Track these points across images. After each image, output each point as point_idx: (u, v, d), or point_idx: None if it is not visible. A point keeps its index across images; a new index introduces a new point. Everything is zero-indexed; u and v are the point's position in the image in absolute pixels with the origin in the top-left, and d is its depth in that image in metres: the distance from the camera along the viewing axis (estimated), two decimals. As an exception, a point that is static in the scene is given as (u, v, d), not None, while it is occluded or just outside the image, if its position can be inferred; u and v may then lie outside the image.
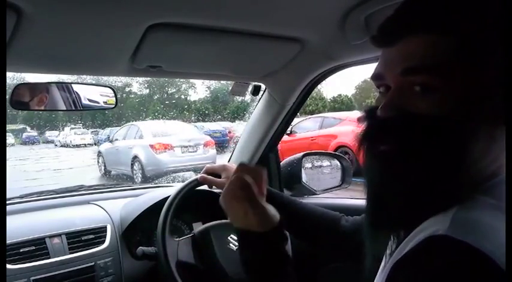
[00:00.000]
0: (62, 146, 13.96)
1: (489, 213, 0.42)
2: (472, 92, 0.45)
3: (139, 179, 6.50)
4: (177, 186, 1.12)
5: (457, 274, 0.38)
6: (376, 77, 0.52)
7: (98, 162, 7.96)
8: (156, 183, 1.68)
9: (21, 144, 15.50)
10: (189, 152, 6.86)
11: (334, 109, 20.62)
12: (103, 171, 7.71)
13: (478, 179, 0.47)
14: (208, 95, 23.25)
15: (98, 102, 1.13)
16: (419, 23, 0.46)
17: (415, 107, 0.46)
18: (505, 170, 0.46)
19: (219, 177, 1.02)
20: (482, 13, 0.44)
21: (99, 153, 8.04)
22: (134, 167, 6.79)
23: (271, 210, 0.68)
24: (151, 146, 6.66)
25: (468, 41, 0.44)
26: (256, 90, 1.39)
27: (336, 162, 1.63)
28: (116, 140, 7.83)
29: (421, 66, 0.46)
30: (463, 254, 0.38)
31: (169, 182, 2.09)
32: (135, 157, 6.77)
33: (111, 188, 1.51)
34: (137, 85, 23.28)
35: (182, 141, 6.82)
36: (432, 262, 0.40)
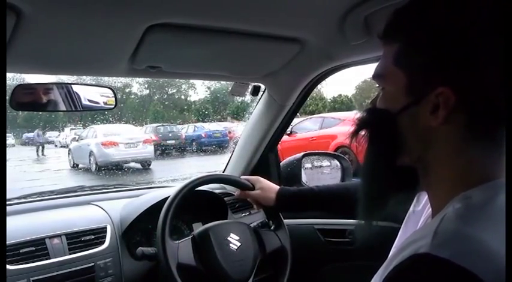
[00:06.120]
0: (62, 146, 13.96)
1: (471, 222, 0.43)
2: (409, 90, 0.50)
3: (94, 168, 8.73)
4: (177, 186, 1.12)
5: None
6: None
7: (69, 157, 9.97)
8: (158, 184, 1.68)
9: (21, 144, 15.52)
10: (131, 147, 9.08)
11: (334, 109, 20.54)
12: (72, 164, 9.71)
13: (458, 179, 0.49)
14: (208, 96, 23.22)
15: (97, 103, 1.12)
16: (383, 35, 0.55)
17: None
18: (496, 176, 0.48)
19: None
20: (424, 22, 0.48)
21: (69, 150, 10.10)
22: (90, 159, 8.91)
23: None
24: (102, 143, 8.87)
25: (406, 49, 0.50)
26: (255, 91, 1.39)
27: (336, 162, 1.63)
28: (81, 139, 9.86)
29: (375, 72, 0.56)
30: (445, 272, 0.39)
31: (169, 182, 2.09)
32: (91, 152, 8.89)
33: (111, 188, 1.50)
34: (137, 86, 23.26)
35: (126, 139, 9.05)
36: None
